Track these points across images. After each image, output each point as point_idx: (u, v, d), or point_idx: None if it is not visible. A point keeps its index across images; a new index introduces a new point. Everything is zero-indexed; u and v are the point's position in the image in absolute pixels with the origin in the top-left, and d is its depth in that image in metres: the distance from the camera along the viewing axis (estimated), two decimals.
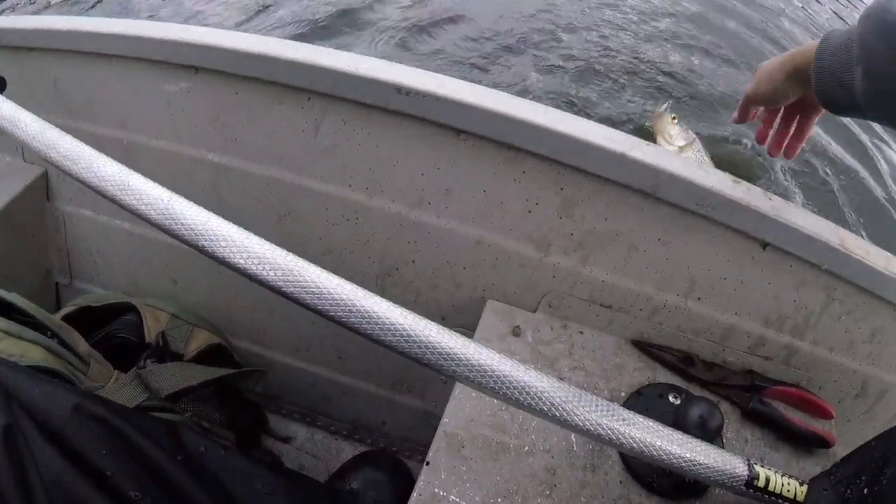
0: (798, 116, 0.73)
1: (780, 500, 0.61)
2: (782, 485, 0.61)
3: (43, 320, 0.79)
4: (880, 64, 0.54)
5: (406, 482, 1.02)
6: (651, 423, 0.56)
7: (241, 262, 0.52)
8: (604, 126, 0.77)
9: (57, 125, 0.61)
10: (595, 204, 0.81)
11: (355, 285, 0.52)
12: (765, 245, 0.78)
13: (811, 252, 0.77)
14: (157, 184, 0.56)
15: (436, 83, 0.78)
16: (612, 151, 0.75)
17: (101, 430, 0.59)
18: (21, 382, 0.59)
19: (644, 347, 0.86)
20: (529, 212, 0.84)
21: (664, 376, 0.84)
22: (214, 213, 0.54)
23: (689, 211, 0.77)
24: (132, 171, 0.56)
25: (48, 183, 1.09)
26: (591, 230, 0.83)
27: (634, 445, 0.54)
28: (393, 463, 1.04)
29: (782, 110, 0.73)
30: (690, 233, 0.79)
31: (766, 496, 0.61)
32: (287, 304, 0.51)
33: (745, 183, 0.77)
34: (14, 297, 0.80)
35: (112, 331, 0.94)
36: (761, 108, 0.75)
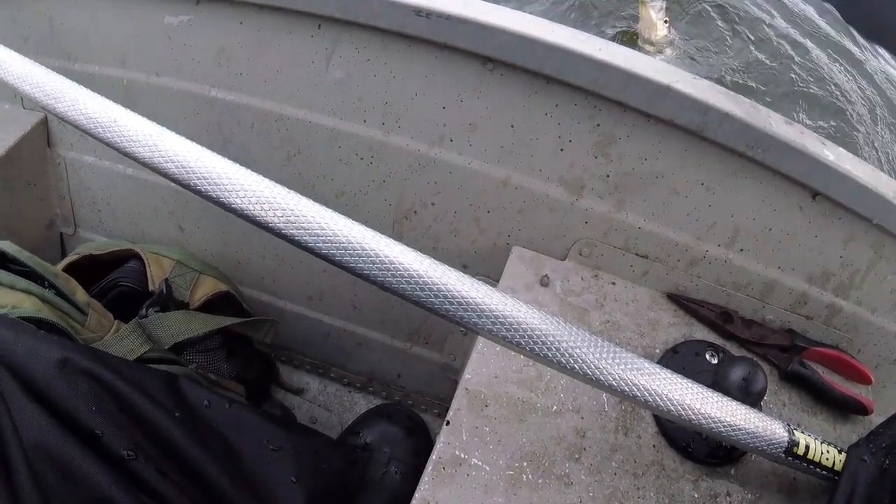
0: None
1: (817, 469, 0.58)
2: (821, 453, 0.58)
3: (37, 269, 0.74)
4: None
5: (422, 437, 0.98)
6: (692, 385, 0.52)
7: (237, 201, 0.47)
8: (647, 56, 0.70)
9: (54, 69, 0.57)
10: (634, 142, 0.74)
11: (365, 227, 0.47)
12: (815, 194, 0.72)
13: (863, 204, 0.71)
14: (145, 119, 0.52)
15: (460, 4, 0.70)
16: (656, 83, 0.67)
17: (91, 385, 0.55)
18: (3, 337, 0.54)
19: (680, 301, 0.80)
20: (561, 150, 0.77)
21: (700, 333, 0.78)
22: (218, 153, 0.49)
23: (737, 153, 0.70)
24: (119, 107, 0.53)
25: (48, 129, 1.05)
26: (628, 172, 0.76)
27: (673, 408, 0.51)
28: (409, 417, 1.01)
29: None
30: (737, 178, 0.73)
31: (805, 464, 0.57)
32: (299, 250, 0.47)
33: (797, 124, 0.70)
34: (6, 245, 0.75)
35: (114, 279, 0.89)
36: None
